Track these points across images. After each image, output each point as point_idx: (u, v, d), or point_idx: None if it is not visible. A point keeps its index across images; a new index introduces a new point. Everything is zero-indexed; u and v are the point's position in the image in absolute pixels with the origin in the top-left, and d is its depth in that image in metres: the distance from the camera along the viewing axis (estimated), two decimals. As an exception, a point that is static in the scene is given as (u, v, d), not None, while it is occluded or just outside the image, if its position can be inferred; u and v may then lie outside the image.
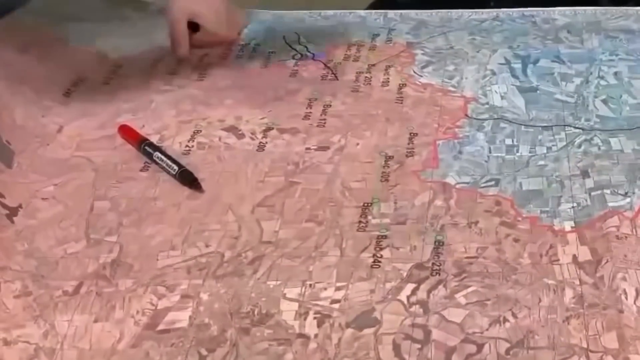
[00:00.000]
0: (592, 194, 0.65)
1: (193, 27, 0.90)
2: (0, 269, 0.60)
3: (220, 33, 0.92)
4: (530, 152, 0.71)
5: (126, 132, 0.75)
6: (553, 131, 0.74)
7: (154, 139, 0.74)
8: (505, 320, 0.54)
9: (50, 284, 0.59)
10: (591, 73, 0.83)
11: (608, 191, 0.65)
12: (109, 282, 0.59)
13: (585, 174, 0.68)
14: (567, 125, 0.75)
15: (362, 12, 1.01)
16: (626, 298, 0.55)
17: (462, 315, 0.55)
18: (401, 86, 0.83)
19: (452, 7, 0.99)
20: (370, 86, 0.83)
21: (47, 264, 0.60)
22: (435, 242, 0.61)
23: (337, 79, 0.85)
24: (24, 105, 0.78)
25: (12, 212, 0.66)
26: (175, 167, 0.69)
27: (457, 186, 0.67)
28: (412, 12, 0.96)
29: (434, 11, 0.98)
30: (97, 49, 0.92)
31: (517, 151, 0.71)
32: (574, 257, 0.59)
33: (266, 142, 0.74)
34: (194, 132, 0.76)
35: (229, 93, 0.83)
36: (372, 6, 1.11)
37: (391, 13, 0.98)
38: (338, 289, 0.57)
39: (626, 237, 0.61)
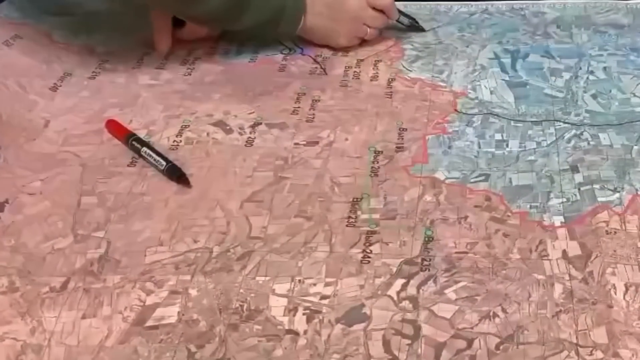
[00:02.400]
0: (582, 189, 0.65)
1: (178, 22, 0.90)
2: (-14, 265, 0.60)
3: (205, 27, 0.91)
4: (519, 147, 0.71)
5: (113, 127, 0.75)
6: (542, 126, 0.74)
7: (142, 134, 0.74)
8: (495, 315, 0.54)
9: (37, 280, 0.58)
10: (580, 68, 0.83)
11: (597, 186, 0.65)
12: (97, 278, 0.58)
13: (574, 169, 0.68)
14: (556, 120, 0.75)
15: None
16: (615, 293, 0.55)
17: (452, 310, 0.54)
18: (390, 81, 0.83)
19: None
20: (359, 81, 0.83)
21: (34, 260, 0.60)
22: (424, 237, 0.61)
23: (326, 74, 0.85)
24: (10, 100, 0.77)
25: (-2, 208, 0.65)
26: (163, 162, 0.69)
27: (447, 181, 0.67)
28: (400, 5, 0.96)
29: (422, 3, 0.98)
30: (84, 43, 0.91)
31: (507, 146, 0.71)
32: (564, 252, 0.59)
33: (254, 137, 0.74)
34: (181, 127, 0.76)
35: (217, 88, 0.83)
36: None
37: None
38: (327, 284, 0.57)
39: (615, 232, 0.61)
